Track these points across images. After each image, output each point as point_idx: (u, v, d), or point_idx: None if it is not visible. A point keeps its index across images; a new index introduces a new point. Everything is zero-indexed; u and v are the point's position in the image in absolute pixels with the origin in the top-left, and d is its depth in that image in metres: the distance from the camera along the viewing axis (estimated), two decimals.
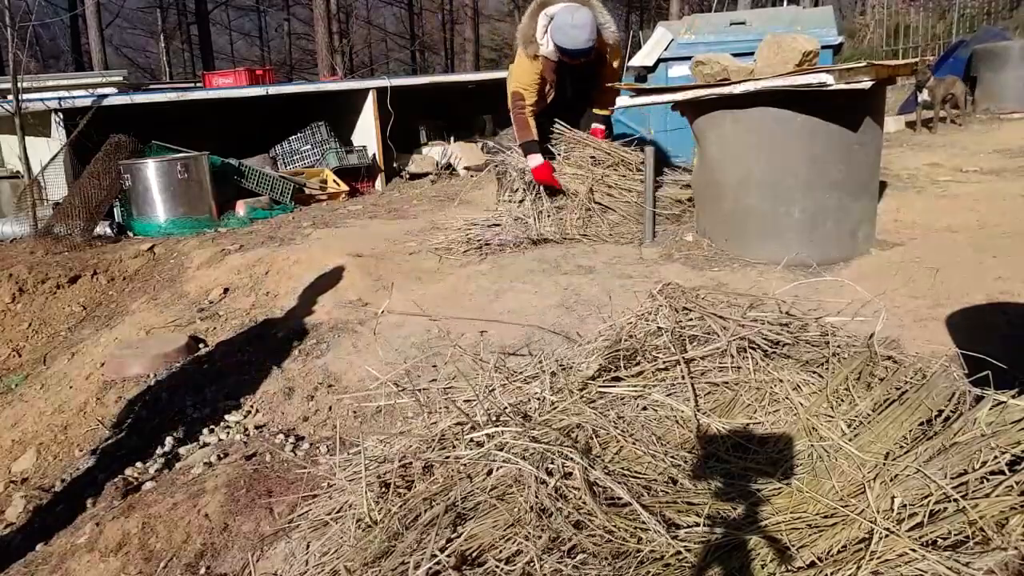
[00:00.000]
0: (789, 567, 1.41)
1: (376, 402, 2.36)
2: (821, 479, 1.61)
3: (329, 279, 3.62)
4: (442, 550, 1.49)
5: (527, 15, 4.02)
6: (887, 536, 1.41)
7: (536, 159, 3.92)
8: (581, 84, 4.12)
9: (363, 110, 7.67)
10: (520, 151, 4.04)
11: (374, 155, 7.60)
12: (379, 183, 7.70)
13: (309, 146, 7.55)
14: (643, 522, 1.50)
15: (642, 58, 6.04)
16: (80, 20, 21.30)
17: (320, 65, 17.13)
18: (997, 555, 1.33)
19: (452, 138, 8.93)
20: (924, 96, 7.20)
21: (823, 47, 3.54)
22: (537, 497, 1.55)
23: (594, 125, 4.21)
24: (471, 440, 1.78)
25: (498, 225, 3.98)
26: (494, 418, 1.86)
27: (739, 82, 3.10)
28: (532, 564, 1.42)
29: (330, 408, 2.55)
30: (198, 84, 10.41)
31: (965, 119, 7.43)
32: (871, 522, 1.44)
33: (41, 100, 5.97)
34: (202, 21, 23.34)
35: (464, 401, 2.04)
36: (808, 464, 1.67)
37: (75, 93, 6.68)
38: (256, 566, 1.77)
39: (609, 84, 4.05)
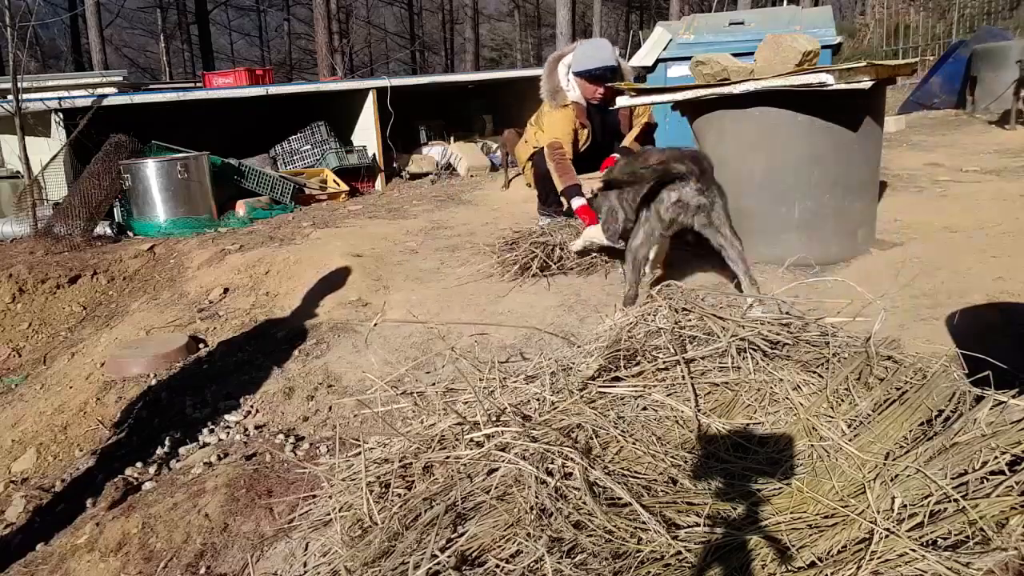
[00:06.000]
0: (789, 567, 1.41)
1: (377, 404, 2.36)
2: (821, 479, 1.60)
3: (329, 279, 3.62)
4: (442, 550, 1.49)
5: (545, 72, 4.10)
6: (887, 536, 1.40)
7: (579, 201, 3.72)
8: (609, 130, 4.15)
9: (363, 110, 7.67)
10: (564, 197, 3.87)
11: (374, 155, 7.60)
12: (379, 183, 7.69)
13: (309, 146, 7.54)
14: (643, 522, 1.50)
15: (641, 58, 6.05)
16: (80, 20, 21.34)
17: (320, 65, 17.14)
18: (997, 555, 1.33)
19: (452, 138, 8.93)
20: None
21: (822, 47, 3.54)
22: (537, 497, 1.55)
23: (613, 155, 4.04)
24: (471, 440, 1.78)
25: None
26: (494, 418, 1.86)
27: (739, 82, 3.10)
28: (533, 564, 1.42)
29: (330, 408, 2.55)
30: (198, 84, 10.40)
31: None
32: (871, 522, 1.44)
33: (41, 100, 5.96)
34: (202, 21, 23.34)
35: (464, 402, 2.04)
36: (808, 464, 1.67)
37: (75, 93, 6.67)
38: (256, 566, 1.76)
39: (641, 120, 4.11)
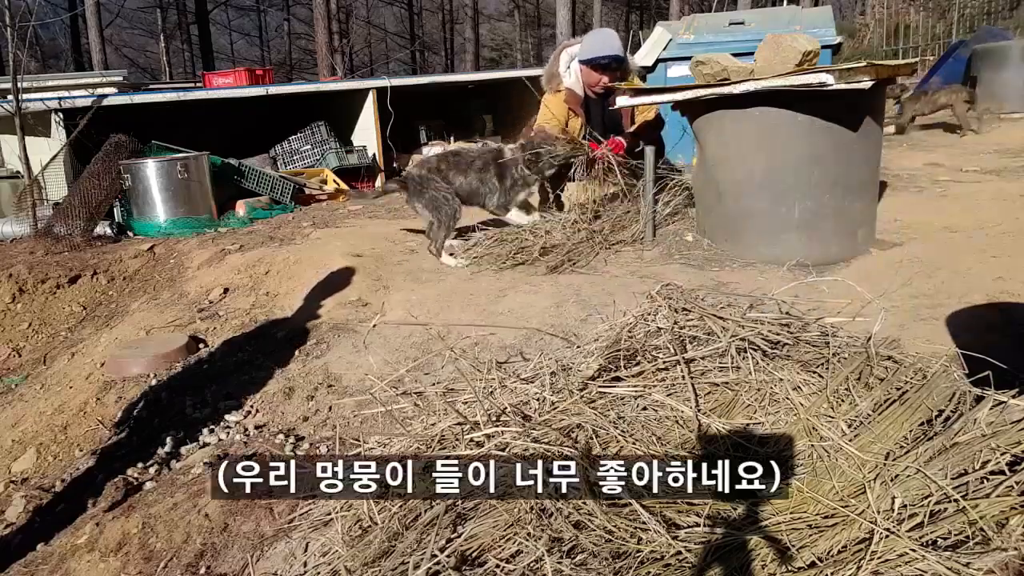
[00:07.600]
0: (789, 567, 1.41)
1: (377, 404, 2.36)
2: (821, 479, 1.60)
3: (329, 279, 3.62)
4: (442, 550, 1.49)
5: (551, 59, 4.14)
6: (887, 536, 1.40)
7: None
8: (611, 125, 4.11)
9: (363, 110, 7.67)
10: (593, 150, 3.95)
11: (374, 155, 7.60)
12: (379, 183, 7.69)
13: (309, 146, 7.54)
14: (643, 522, 1.50)
15: (641, 58, 6.05)
16: (80, 20, 21.34)
17: (320, 65, 17.14)
18: (997, 555, 1.33)
19: (452, 138, 8.92)
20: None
21: (822, 47, 3.54)
22: (537, 497, 1.55)
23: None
24: (471, 440, 1.78)
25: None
26: (494, 418, 1.86)
27: (739, 82, 3.10)
28: (533, 564, 1.42)
29: (330, 408, 2.55)
30: (198, 84, 10.40)
31: (969, 126, 7.06)
32: (871, 522, 1.44)
33: (41, 100, 5.97)
34: (202, 21, 23.34)
35: (464, 402, 2.04)
36: (808, 464, 1.67)
37: (75, 93, 6.68)
38: (256, 566, 1.77)
39: (642, 119, 4.08)
